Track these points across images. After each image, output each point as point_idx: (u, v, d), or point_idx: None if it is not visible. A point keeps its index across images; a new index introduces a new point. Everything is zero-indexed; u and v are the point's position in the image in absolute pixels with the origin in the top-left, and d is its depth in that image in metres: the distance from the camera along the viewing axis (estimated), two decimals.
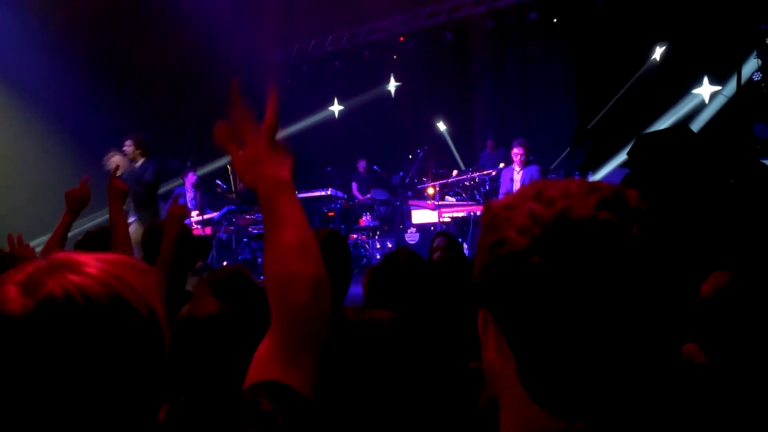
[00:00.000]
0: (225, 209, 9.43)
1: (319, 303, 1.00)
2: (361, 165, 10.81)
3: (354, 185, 10.74)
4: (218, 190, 9.64)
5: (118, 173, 6.26)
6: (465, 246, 7.46)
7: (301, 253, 1.01)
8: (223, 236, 9.29)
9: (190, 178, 9.14)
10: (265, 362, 0.96)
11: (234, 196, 9.38)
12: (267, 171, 1.06)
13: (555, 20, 9.91)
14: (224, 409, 1.60)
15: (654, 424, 0.68)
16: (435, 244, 4.06)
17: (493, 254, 0.67)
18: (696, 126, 8.40)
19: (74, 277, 0.76)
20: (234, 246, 9.40)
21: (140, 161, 6.80)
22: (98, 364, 0.75)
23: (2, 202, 6.86)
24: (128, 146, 6.77)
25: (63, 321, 0.74)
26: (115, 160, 6.38)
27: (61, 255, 0.81)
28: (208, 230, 9.11)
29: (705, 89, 8.78)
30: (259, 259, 9.09)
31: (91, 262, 0.79)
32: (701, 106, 8.80)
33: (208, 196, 9.58)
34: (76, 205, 2.76)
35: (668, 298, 0.66)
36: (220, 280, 2.46)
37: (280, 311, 0.99)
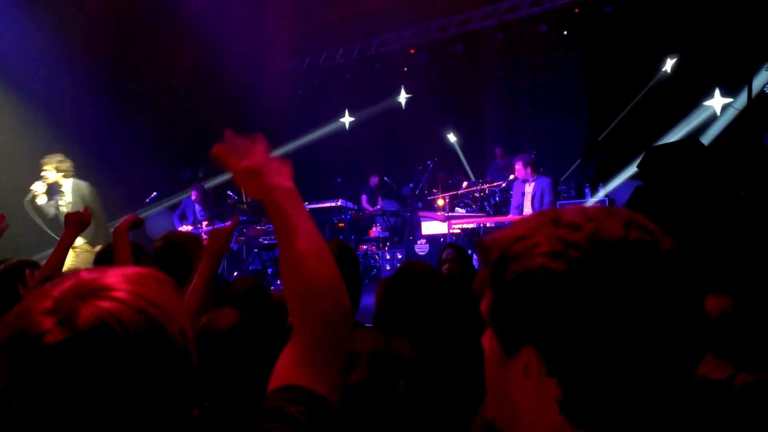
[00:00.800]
0: None
1: (339, 308, 1.01)
2: (373, 181, 10.83)
3: (363, 197, 10.77)
4: (229, 200, 9.71)
5: (38, 201, 6.09)
6: (474, 257, 7.45)
7: (318, 260, 1.01)
8: (234, 246, 9.34)
9: (197, 191, 9.25)
10: (288, 368, 0.97)
11: (245, 206, 9.44)
12: (271, 181, 1.05)
13: (565, 32, 9.93)
14: (249, 412, 1.63)
15: None
16: (444, 256, 4.06)
17: (525, 284, 0.68)
18: (707, 138, 8.37)
19: (106, 304, 0.76)
20: (245, 256, 9.45)
21: (68, 182, 6.18)
22: (136, 389, 0.75)
23: (7, 211, 6.89)
24: (47, 171, 6.07)
25: (100, 350, 0.73)
26: (33, 187, 6.02)
27: (84, 276, 0.80)
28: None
29: (716, 101, 8.75)
30: (270, 270, 9.13)
31: (118, 284, 0.79)
32: (713, 118, 8.76)
33: (218, 208, 9.65)
34: (77, 228, 2.90)
35: (703, 310, 0.69)
36: (241, 292, 2.49)
37: (302, 319, 1.00)
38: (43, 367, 0.72)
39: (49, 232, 6.14)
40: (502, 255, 0.71)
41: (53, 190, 6.21)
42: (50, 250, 2.83)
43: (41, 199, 6.12)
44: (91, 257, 6.07)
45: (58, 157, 6.19)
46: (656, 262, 0.66)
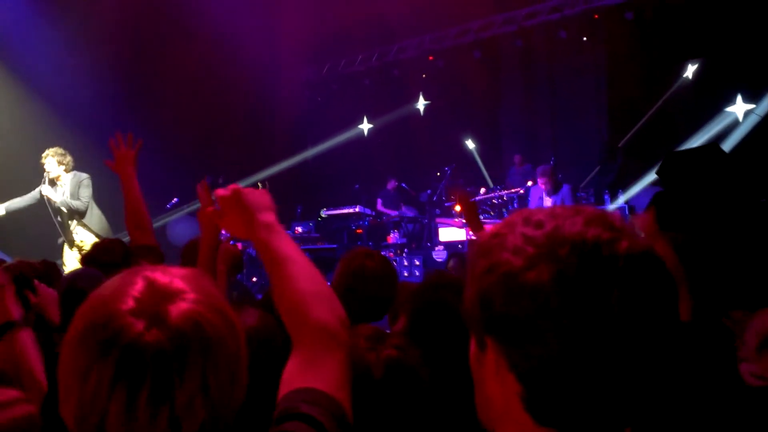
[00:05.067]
0: None
1: (332, 314, 1.10)
2: (391, 184, 10.84)
3: (379, 201, 10.77)
4: None
5: (43, 191, 6.19)
6: None
7: (305, 278, 1.13)
8: (253, 252, 9.40)
9: None
10: (294, 374, 1.04)
11: None
12: (253, 222, 1.21)
13: (585, 38, 9.88)
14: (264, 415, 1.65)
15: None
16: (449, 266, 4.09)
17: (488, 278, 0.70)
18: (729, 144, 8.27)
19: (189, 306, 0.85)
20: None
21: (68, 176, 6.36)
22: (221, 376, 0.86)
23: (30, 219, 6.99)
24: (49, 165, 6.22)
25: (196, 347, 0.83)
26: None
27: (155, 278, 0.87)
28: (239, 245, 9.23)
29: (738, 107, 8.65)
30: None
31: (186, 287, 0.87)
32: (735, 125, 8.65)
33: None
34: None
35: (659, 311, 0.68)
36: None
37: (297, 332, 1.09)
38: (147, 365, 0.80)
39: (55, 222, 6.38)
40: (477, 252, 0.74)
41: (54, 183, 6.36)
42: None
43: (45, 189, 6.26)
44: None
45: (60, 150, 6.31)
46: (608, 258, 0.66)
